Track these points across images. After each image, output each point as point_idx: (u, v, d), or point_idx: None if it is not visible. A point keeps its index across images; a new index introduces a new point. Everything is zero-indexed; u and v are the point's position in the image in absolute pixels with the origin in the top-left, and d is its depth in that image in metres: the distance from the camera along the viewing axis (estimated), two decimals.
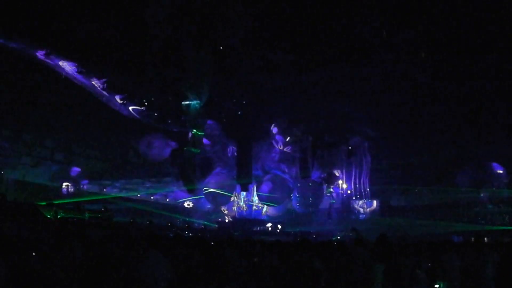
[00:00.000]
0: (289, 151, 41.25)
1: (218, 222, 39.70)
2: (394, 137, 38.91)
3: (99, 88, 33.83)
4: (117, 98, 34.88)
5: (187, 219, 38.05)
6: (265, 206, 42.26)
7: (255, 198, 42.32)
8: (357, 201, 41.65)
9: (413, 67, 33.26)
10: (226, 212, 42.43)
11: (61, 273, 6.69)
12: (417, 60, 32.71)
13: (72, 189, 38.25)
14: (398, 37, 31.39)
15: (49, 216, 20.96)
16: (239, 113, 39.18)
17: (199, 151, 37.98)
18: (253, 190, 42.01)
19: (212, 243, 11.20)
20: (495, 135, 35.01)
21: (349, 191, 42.02)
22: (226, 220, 41.14)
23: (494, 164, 38.11)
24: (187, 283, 8.37)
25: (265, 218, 42.16)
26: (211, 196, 39.83)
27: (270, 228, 38.16)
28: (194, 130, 37.40)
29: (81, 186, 39.22)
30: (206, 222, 38.98)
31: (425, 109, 35.50)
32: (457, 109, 34.33)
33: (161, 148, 38.58)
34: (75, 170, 38.77)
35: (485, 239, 13.82)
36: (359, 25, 30.90)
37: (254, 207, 42.83)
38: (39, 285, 6.36)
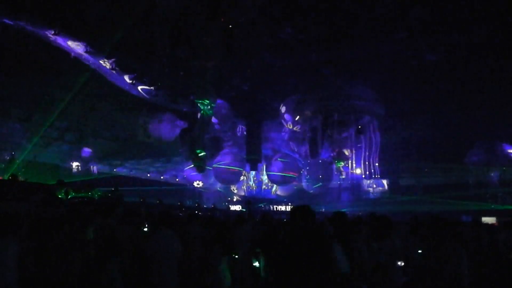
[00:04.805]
0: (299, 130, 41.19)
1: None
2: (404, 116, 38.78)
3: (108, 68, 33.73)
4: (127, 77, 34.79)
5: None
6: (275, 186, 42.38)
7: (265, 178, 42.43)
8: (366, 180, 41.67)
9: (424, 45, 32.91)
10: (235, 191, 42.60)
11: (72, 252, 6.74)
12: (428, 38, 32.33)
13: (82, 169, 38.50)
14: (409, 15, 30.98)
15: (60, 196, 21.12)
16: (248, 92, 38.99)
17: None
18: (263, 169, 42.10)
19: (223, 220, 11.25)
20: (506, 115, 34.67)
21: (358, 170, 41.99)
22: (235, 199, 41.34)
23: (505, 144, 37.94)
24: (197, 260, 8.43)
25: (274, 197, 42.34)
26: (221, 175, 39.69)
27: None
28: (203, 109, 37.39)
29: (92, 166, 39.44)
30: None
31: (435, 88, 35.18)
32: (468, 88, 33.97)
33: (171, 128, 38.55)
34: (86, 150, 38.97)
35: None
36: (370, 2, 30.49)
37: (264, 186, 43.00)
38: (50, 265, 6.42)
